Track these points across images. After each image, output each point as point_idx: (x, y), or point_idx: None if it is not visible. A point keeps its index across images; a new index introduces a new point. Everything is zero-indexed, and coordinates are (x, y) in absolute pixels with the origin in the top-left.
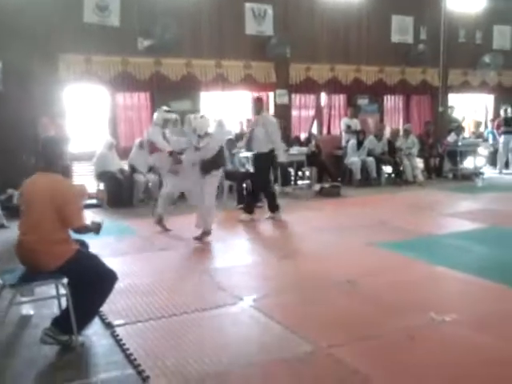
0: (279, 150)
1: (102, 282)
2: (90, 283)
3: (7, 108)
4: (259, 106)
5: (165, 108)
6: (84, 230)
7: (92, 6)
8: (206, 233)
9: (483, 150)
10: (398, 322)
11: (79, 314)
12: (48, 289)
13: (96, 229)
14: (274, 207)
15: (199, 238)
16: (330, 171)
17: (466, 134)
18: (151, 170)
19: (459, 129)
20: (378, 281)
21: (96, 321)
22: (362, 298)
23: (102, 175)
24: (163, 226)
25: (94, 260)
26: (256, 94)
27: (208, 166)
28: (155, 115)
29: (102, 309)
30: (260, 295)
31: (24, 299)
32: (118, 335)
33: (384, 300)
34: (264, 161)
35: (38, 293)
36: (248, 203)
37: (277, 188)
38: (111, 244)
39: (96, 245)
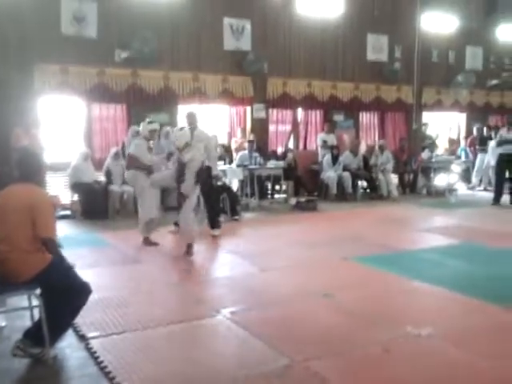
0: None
1: (76, 294)
2: (64, 295)
3: None
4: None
5: (148, 119)
6: (51, 243)
7: (69, 17)
8: (190, 245)
9: (456, 167)
10: (373, 335)
11: (52, 325)
12: (20, 300)
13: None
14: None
15: (188, 253)
16: (307, 185)
17: (440, 151)
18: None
19: (433, 146)
20: (354, 294)
21: (70, 333)
22: (339, 312)
23: (76, 186)
24: (152, 243)
25: (68, 271)
26: (233, 108)
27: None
28: (140, 127)
29: (75, 321)
30: (238, 308)
31: None
32: (92, 348)
33: (360, 313)
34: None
35: (9, 304)
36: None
37: (254, 201)
38: (85, 256)
39: (69, 256)
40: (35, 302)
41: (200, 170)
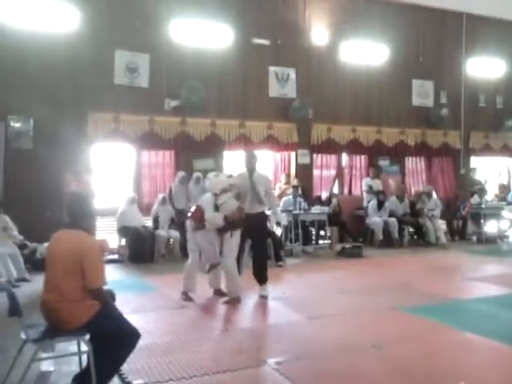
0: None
1: (125, 339)
2: (113, 341)
3: (36, 165)
4: (254, 161)
5: (226, 173)
6: (99, 293)
7: (122, 68)
8: (236, 299)
9: (507, 213)
10: None
11: (100, 371)
12: (69, 345)
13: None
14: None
15: (228, 302)
16: (351, 231)
17: (489, 196)
18: (173, 225)
19: (482, 191)
20: (404, 346)
21: (115, 380)
22: (389, 365)
23: (123, 230)
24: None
25: (117, 317)
26: (278, 154)
27: (227, 225)
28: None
29: (121, 367)
30: (284, 358)
31: (44, 355)
32: None
33: (411, 367)
34: (265, 221)
35: (58, 349)
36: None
37: (298, 247)
38: (132, 300)
39: (117, 301)
40: (84, 348)
41: (233, 214)
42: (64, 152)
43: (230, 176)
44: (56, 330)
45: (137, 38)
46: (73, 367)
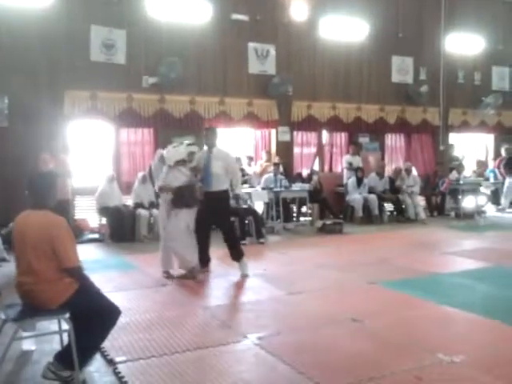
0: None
1: (105, 316)
2: (93, 318)
3: (12, 143)
4: (213, 137)
5: (187, 142)
6: (76, 271)
7: (98, 45)
8: (191, 271)
9: (485, 189)
10: (404, 362)
11: (82, 349)
12: (50, 324)
13: None
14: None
15: (185, 277)
16: (332, 208)
17: (467, 172)
18: (154, 204)
19: (460, 167)
20: (383, 320)
21: (97, 357)
22: (368, 338)
23: (103, 210)
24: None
25: (96, 294)
26: (258, 131)
27: (176, 199)
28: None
29: (103, 345)
30: (265, 333)
31: (25, 334)
32: (119, 372)
33: (390, 340)
34: (227, 200)
35: (39, 328)
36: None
37: (279, 224)
38: (113, 279)
39: (97, 280)
40: (65, 326)
41: (179, 188)
42: (40, 130)
43: (191, 144)
44: (35, 309)
45: (113, 13)
46: (54, 345)
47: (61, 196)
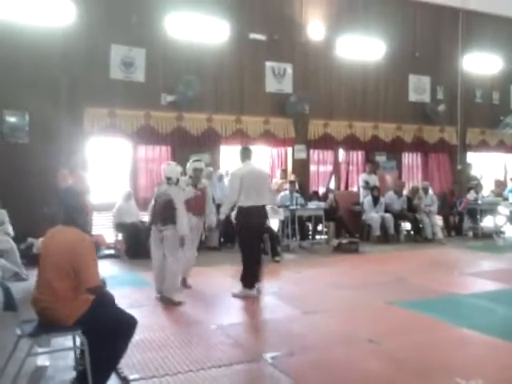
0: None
1: (122, 329)
2: (109, 331)
3: (32, 159)
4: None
5: (193, 158)
6: (99, 289)
7: (118, 63)
8: (168, 300)
9: (503, 209)
10: None
11: (99, 365)
12: (65, 340)
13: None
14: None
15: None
16: (348, 227)
17: (485, 192)
18: None
19: (478, 186)
20: (400, 341)
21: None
22: (384, 359)
23: (120, 226)
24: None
25: (111, 307)
26: (275, 149)
27: (158, 213)
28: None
29: (120, 360)
30: (279, 353)
31: (40, 350)
32: None
33: (407, 361)
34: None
35: (54, 344)
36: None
37: (295, 242)
38: (127, 295)
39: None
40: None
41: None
42: (60, 147)
43: (197, 160)
44: (51, 326)
45: (133, 32)
46: (69, 362)
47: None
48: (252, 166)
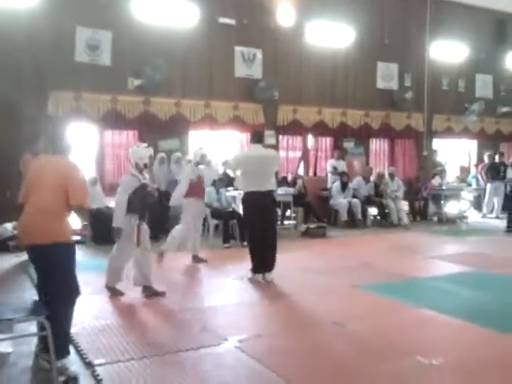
0: None
1: (72, 290)
2: (63, 287)
3: None
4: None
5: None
6: (85, 209)
7: (83, 46)
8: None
9: (467, 195)
10: (384, 365)
11: (55, 336)
12: (28, 326)
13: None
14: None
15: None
16: (316, 212)
17: (450, 178)
18: None
19: (443, 172)
20: (364, 323)
21: (76, 359)
22: (348, 341)
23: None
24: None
25: (74, 265)
26: (244, 135)
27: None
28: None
29: (82, 347)
30: (246, 336)
31: (2, 336)
32: (98, 375)
33: (370, 343)
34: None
35: (17, 329)
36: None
37: None
38: (93, 281)
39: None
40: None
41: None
42: (23, 131)
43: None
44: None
45: (98, 14)
46: (32, 348)
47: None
48: (256, 150)
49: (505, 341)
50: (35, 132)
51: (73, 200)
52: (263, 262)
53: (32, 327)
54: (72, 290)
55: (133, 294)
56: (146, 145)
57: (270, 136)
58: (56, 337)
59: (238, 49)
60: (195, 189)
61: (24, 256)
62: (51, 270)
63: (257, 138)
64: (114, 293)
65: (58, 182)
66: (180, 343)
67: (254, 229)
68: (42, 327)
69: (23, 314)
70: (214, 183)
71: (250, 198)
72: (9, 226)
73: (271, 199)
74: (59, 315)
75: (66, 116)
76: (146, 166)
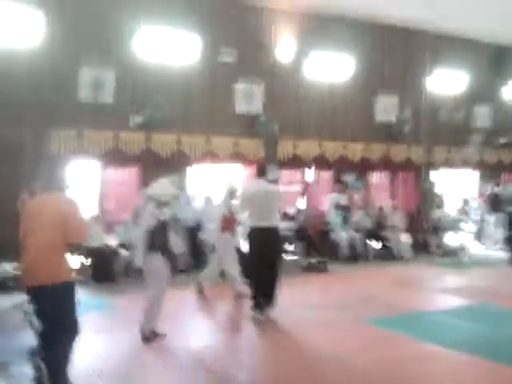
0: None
1: (72, 330)
2: (62, 328)
3: None
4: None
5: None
6: (80, 244)
7: (87, 84)
8: (146, 336)
9: (468, 226)
10: None
11: (56, 374)
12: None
13: None
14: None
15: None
16: (317, 246)
17: (452, 210)
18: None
19: (441, 204)
20: (366, 358)
21: None
22: (349, 375)
23: (86, 251)
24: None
25: (76, 306)
26: (244, 169)
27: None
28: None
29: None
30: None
31: None
32: None
33: (372, 378)
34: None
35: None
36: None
37: None
38: (93, 320)
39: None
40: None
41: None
42: (23, 171)
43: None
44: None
45: (102, 53)
46: None
47: None
48: (259, 184)
49: (506, 372)
50: (34, 171)
51: (71, 238)
52: (264, 297)
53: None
54: (73, 329)
55: (132, 333)
56: (166, 180)
57: (273, 170)
58: (54, 376)
59: (237, 85)
60: (228, 223)
61: (21, 296)
62: (52, 310)
63: (261, 172)
64: (155, 338)
65: (56, 220)
66: None
67: (259, 265)
68: (38, 368)
69: (19, 356)
70: None
71: (256, 233)
72: (7, 265)
73: (277, 236)
74: (58, 354)
75: (67, 154)
76: (167, 203)
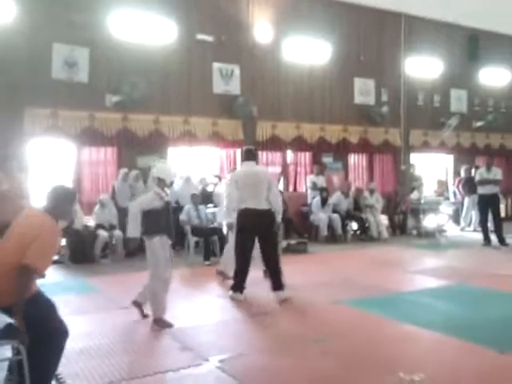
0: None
1: (56, 336)
2: (44, 336)
3: None
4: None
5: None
6: (25, 272)
7: (61, 62)
8: (158, 321)
9: (445, 208)
10: (366, 382)
11: (35, 375)
12: (2, 350)
13: None
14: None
15: (157, 324)
16: (297, 228)
17: (429, 192)
18: (114, 227)
19: (420, 186)
20: (346, 340)
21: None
22: (330, 358)
23: (63, 231)
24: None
25: (52, 310)
26: (224, 151)
27: (146, 224)
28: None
29: (59, 370)
30: (227, 356)
31: None
32: None
33: (351, 359)
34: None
35: None
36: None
37: None
38: (71, 302)
39: (56, 302)
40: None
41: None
42: None
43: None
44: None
45: (75, 31)
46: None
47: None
48: (248, 167)
49: (485, 353)
50: (9, 150)
51: (28, 258)
52: (271, 280)
53: (6, 351)
54: (57, 335)
55: (111, 314)
56: (165, 161)
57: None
58: (36, 380)
59: (216, 65)
60: None
61: None
62: (28, 326)
63: (247, 155)
64: (162, 325)
65: (24, 239)
66: (160, 364)
67: (245, 247)
68: (17, 352)
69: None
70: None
71: (246, 215)
72: None
73: (270, 219)
74: (44, 361)
75: (42, 133)
76: (171, 183)
